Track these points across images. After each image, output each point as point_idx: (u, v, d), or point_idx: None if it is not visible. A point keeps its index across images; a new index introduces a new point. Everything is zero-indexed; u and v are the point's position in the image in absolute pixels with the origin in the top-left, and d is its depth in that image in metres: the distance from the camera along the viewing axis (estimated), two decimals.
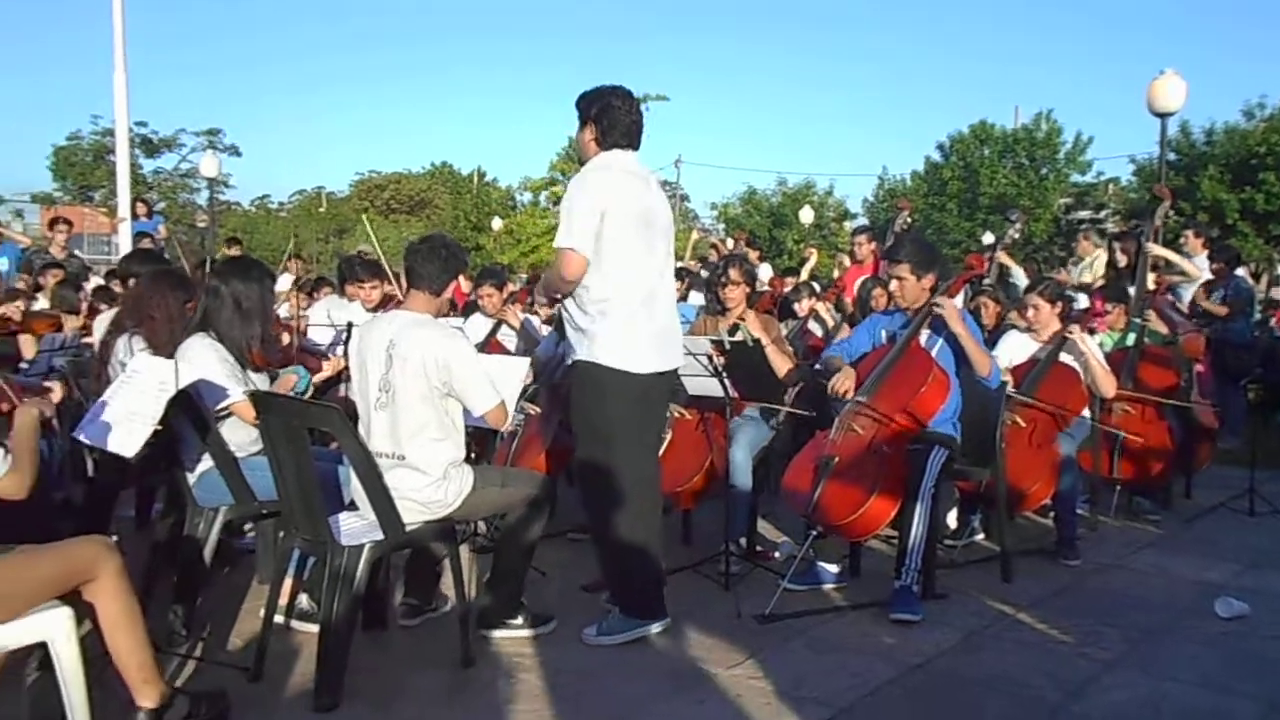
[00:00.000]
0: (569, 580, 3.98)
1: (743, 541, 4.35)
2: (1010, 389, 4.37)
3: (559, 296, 3.51)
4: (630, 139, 3.42)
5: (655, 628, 3.42)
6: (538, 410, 4.71)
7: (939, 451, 3.78)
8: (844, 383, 3.92)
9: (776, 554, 4.40)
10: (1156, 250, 6.71)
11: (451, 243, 3.38)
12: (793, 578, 3.84)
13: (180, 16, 62.15)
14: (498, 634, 3.40)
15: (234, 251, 10.68)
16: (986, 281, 6.91)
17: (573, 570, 4.07)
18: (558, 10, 73.68)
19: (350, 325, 4.47)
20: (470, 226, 34.94)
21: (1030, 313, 4.86)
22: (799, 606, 3.71)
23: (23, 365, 4.89)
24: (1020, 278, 8.09)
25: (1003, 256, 7.55)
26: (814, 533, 3.80)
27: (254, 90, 69.48)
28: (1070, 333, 4.70)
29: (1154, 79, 9.55)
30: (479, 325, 5.57)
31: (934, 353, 3.97)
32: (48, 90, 63.57)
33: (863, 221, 33.29)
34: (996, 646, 3.42)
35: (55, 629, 2.25)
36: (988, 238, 19.54)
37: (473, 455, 4.01)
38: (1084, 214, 29.64)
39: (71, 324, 5.49)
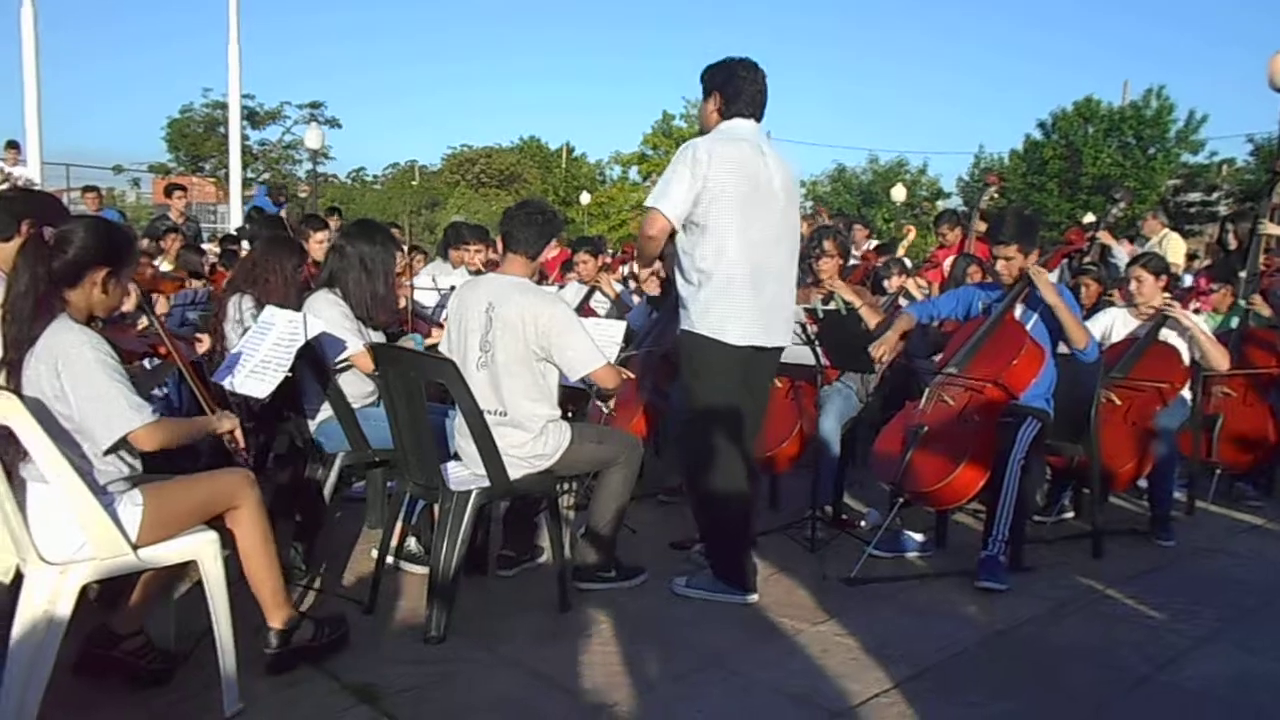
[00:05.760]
0: (659, 538, 4.12)
1: (829, 509, 4.41)
2: (1106, 365, 4.32)
3: (653, 258, 3.53)
4: (753, 109, 3.39)
5: (742, 599, 3.45)
6: (631, 375, 4.85)
7: (1030, 424, 3.78)
8: (879, 349, 3.98)
9: (863, 522, 4.45)
10: (1274, 229, 6.46)
11: (548, 207, 3.47)
12: (879, 544, 3.90)
13: None
14: (592, 585, 3.53)
15: (333, 221, 11.05)
16: (1088, 260, 6.77)
17: (662, 529, 4.21)
18: None
19: (453, 288, 4.67)
20: (559, 201, 35.27)
21: (1133, 285, 4.76)
22: (884, 572, 3.79)
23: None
24: (1122, 257, 7.86)
25: (1105, 236, 7.35)
26: (900, 500, 3.86)
27: (351, 64, 71.20)
28: (1170, 308, 4.61)
29: (1276, 54, 9.11)
30: (573, 291, 5.74)
31: (1029, 327, 3.96)
32: (163, 64, 66.30)
33: (956, 200, 32.50)
34: (1083, 618, 3.43)
35: (204, 549, 2.49)
36: (1088, 219, 18.92)
37: (570, 414, 4.16)
38: (1194, 196, 28.36)
39: (195, 285, 5.82)
